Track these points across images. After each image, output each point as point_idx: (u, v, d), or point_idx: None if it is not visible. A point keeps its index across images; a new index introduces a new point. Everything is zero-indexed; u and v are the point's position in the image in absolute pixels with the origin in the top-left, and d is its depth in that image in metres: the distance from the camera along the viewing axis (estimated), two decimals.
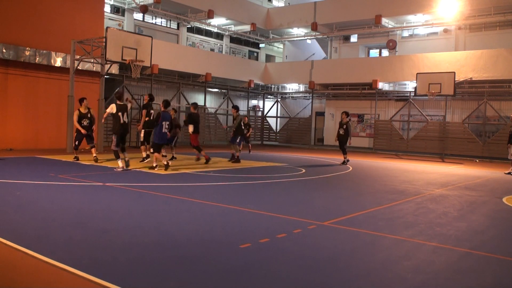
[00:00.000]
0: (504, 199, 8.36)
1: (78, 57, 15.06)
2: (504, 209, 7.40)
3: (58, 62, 16.09)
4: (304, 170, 12.03)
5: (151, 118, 12.00)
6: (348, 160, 14.73)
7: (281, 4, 30.92)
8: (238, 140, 13.57)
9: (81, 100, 11.89)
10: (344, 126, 14.36)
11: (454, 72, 18.31)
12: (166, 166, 10.48)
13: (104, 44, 13.55)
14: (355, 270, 3.99)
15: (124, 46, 13.74)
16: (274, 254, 4.31)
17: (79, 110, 11.77)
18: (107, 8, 20.72)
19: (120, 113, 10.05)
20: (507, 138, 19.00)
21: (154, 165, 10.60)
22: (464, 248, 4.82)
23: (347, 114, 14.50)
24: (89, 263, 3.79)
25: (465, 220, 6.36)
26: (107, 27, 13.94)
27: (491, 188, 10.11)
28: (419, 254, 4.53)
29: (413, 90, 20.40)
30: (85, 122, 11.71)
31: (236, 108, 14.01)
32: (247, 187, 8.74)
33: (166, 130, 10.52)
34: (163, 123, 10.46)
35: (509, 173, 13.35)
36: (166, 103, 10.89)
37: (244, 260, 4.09)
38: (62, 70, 16.15)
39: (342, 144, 14.53)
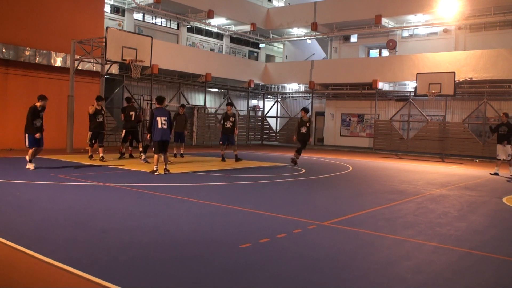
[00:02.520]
0: (504, 199, 8.36)
1: (78, 57, 15.06)
2: (504, 209, 7.40)
3: (58, 62, 16.10)
4: (304, 170, 12.03)
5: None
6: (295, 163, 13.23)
7: (281, 4, 30.91)
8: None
9: (99, 98, 12.29)
10: (308, 124, 13.14)
11: (454, 72, 18.29)
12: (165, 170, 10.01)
13: (104, 44, 13.54)
14: (355, 270, 3.99)
15: (124, 46, 13.74)
16: (274, 254, 4.31)
17: (94, 105, 12.14)
18: (107, 8, 20.72)
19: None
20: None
21: (155, 168, 9.90)
22: (464, 248, 4.82)
23: (306, 111, 13.32)
24: (89, 263, 3.79)
25: (465, 220, 6.36)
26: (107, 27, 13.94)
27: (491, 188, 10.11)
28: (419, 254, 4.53)
29: (413, 90, 20.40)
30: (100, 119, 12.17)
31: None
32: (247, 187, 8.74)
33: (163, 126, 9.81)
34: (158, 119, 9.78)
35: (495, 174, 13.03)
36: (159, 100, 10.14)
37: (244, 260, 4.09)
38: (62, 70, 16.15)
39: (305, 144, 13.33)
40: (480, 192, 9.28)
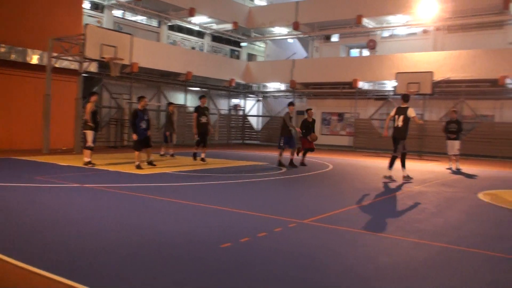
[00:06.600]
0: (479, 195, 8.55)
1: (55, 54, 14.74)
2: (479, 205, 7.57)
3: (34, 59, 15.70)
4: (284, 169, 12.06)
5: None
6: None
7: (263, 3, 30.91)
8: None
9: (92, 94, 11.05)
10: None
11: (432, 72, 18.65)
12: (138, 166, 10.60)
13: (82, 41, 13.29)
14: (336, 267, 4.02)
15: (103, 44, 13.52)
16: (255, 253, 4.30)
17: (91, 104, 10.72)
18: (86, 5, 20.33)
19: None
20: (484, 136, 19.61)
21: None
22: (442, 243, 4.91)
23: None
24: (66, 267, 3.71)
25: (442, 215, 6.49)
26: (86, 24, 13.69)
27: (467, 184, 10.34)
28: (398, 250, 4.59)
29: (393, 89, 20.69)
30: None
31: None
32: (228, 187, 8.71)
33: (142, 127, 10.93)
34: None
35: (450, 169, 13.60)
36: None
37: (224, 259, 4.07)
38: (39, 68, 15.76)
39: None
40: (456, 188, 9.48)
